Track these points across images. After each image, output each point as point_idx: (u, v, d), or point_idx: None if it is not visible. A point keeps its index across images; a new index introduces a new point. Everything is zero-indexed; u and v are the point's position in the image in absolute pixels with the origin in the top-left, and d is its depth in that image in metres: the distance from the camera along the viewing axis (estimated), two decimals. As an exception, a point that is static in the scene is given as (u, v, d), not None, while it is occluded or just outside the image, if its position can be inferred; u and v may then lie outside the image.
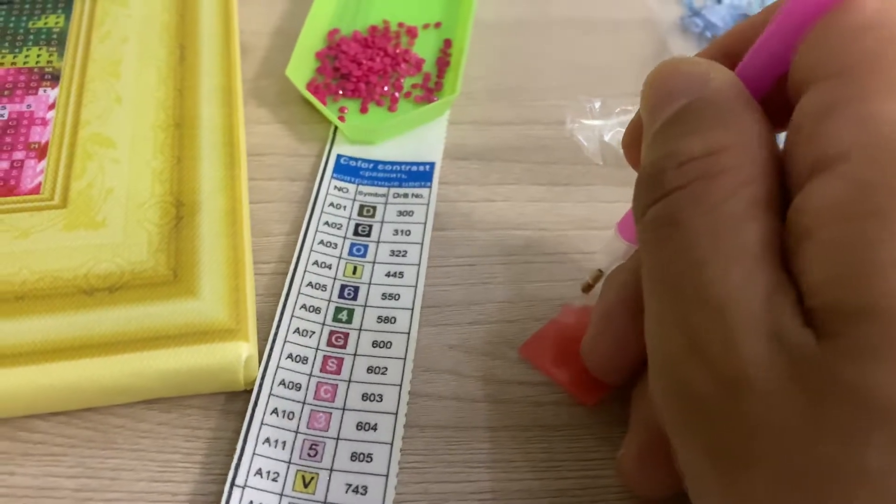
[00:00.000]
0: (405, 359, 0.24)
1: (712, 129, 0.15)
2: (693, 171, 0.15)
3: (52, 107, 0.27)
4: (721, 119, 0.15)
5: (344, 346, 0.24)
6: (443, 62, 0.33)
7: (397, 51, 0.33)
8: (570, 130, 0.30)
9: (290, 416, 0.22)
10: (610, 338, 0.20)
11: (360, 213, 0.28)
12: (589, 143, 0.30)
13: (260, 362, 0.23)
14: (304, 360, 0.23)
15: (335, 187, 0.29)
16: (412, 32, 0.34)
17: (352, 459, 0.21)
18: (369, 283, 0.26)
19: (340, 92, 0.31)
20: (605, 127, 0.30)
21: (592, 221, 0.28)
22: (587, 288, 0.24)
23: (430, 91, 0.32)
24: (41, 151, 0.26)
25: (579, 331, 0.23)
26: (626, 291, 0.20)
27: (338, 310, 0.25)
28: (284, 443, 0.21)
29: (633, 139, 0.19)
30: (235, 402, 0.23)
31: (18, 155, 0.25)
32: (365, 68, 0.32)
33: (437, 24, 0.35)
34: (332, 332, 0.24)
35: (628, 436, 0.20)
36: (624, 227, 0.22)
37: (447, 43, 0.34)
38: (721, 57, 0.17)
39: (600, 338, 0.21)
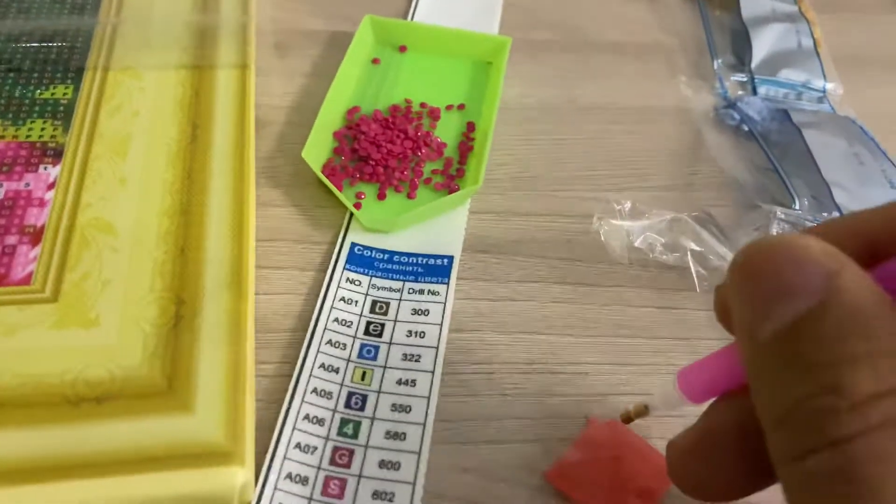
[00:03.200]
0: (414, 483, 0.22)
1: (879, 358, 0.12)
2: (875, 414, 0.12)
3: (51, 186, 0.25)
4: (873, 338, 0.12)
5: (348, 466, 0.22)
6: (465, 147, 0.31)
7: (419, 133, 0.31)
8: (597, 230, 0.29)
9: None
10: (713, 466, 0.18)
11: (372, 310, 0.26)
12: (616, 243, 0.28)
13: (256, 483, 0.21)
14: (305, 480, 0.21)
15: (347, 279, 0.27)
16: (434, 114, 0.33)
17: None
18: (378, 392, 0.24)
19: (358, 175, 0.30)
20: (634, 230, 0.28)
21: (622, 328, 0.26)
22: (627, 420, 0.22)
23: (452, 178, 0.30)
24: (36, 236, 0.24)
25: (611, 450, 0.21)
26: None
27: (343, 422, 0.23)
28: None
29: (726, 314, 0.18)
30: (227, 529, 0.20)
31: (11, 240, 0.24)
32: (384, 151, 0.30)
33: (461, 106, 0.33)
34: (335, 449, 0.22)
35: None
36: (686, 383, 0.19)
37: (470, 126, 0.32)
38: (851, 241, 0.15)
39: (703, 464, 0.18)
